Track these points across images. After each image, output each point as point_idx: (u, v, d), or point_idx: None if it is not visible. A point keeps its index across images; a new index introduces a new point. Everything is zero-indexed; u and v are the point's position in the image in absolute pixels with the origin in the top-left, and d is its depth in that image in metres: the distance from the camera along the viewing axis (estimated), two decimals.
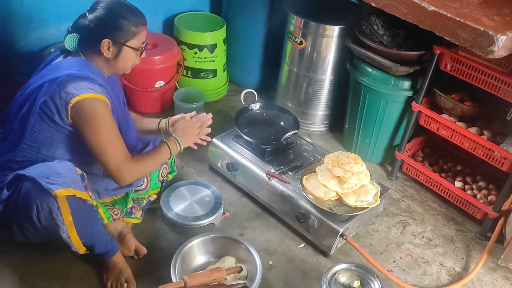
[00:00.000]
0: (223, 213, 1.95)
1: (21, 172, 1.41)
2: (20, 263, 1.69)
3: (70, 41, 1.51)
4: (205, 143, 1.85)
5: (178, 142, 1.71)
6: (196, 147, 1.81)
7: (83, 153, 1.55)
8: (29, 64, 2.19)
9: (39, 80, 1.48)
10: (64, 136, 1.50)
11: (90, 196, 1.51)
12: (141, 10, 2.55)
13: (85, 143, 1.47)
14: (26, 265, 1.68)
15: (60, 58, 1.55)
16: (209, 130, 1.83)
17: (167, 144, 1.68)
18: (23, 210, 1.40)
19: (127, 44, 1.52)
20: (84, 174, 1.52)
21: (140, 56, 1.60)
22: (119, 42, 1.50)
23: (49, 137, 1.49)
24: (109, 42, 1.49)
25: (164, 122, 1.86)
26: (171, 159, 1.74)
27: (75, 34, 1.50)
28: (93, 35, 1.48)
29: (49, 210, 1.39)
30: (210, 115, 1.85)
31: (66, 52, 1.55)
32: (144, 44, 1.59)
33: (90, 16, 1.49)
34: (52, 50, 2.18)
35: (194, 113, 1.86)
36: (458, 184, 2.16)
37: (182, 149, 1.72)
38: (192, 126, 1.78)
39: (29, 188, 1.38)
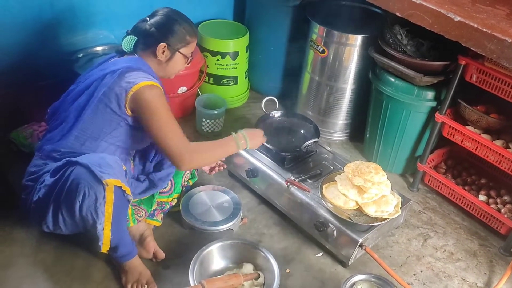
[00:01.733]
0: (242, 219, 1.96)
1: (73, 159, 1.47)
2: (41, 263, 1.72)
3: (128, 43, 1.62)
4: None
5: (246, 139, 1.74)
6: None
7: (123, 151, 1.65)
8: (56, 68, 2.26)
9: (101, 72, 1.56)
10: (113, 127, 1.56)
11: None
12: None
13: (146, 129, 1.54)
14: (47, 265, 1.72)
15: (116, 58, 1.64)
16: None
17: (235, 138, 1.71)
18: (68, 195, 1.45)
19: (180, 50, 1.65)
20: (127, 170, 1.56)
21: (187, 64, 1.71)
22: (173, 47, 1.63)
23: (99, 128, 1.55)
24: (165, 46, 1.61)
25: None
26: (246, 148, 1.76)
27: (133, 36, 1.62)
28: (151, 38, 1.60)
29: (95, 199, 1.43)
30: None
31: (121, 53, 1.65)
32: (192, 54, 1.71)
33: (150, 21, 1.62)
34: (80, 55, 2.24)
35: None
36: (482, 197, 2.12)
37: (247, 147, 1.75)
38: (260, 131, 1.87)
39: (80, 174, 1.43)
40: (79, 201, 1.43)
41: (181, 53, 1.65)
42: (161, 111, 1.52)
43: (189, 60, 1.70)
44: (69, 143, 1.55)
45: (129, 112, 1.54)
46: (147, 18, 1.63)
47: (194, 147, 1.61)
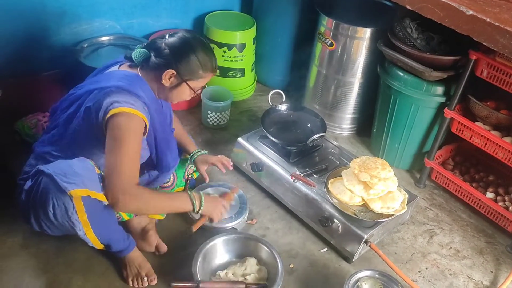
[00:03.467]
0: (252, 219, 1.95)
1: (41, 167, 1.43)
2: (43, 254, 1.72)
3: (139, 55, 1.52)
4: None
5: (202, 201, 1.57)
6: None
7: None
8: (61, 58, 2.25)
9: (92, 85, 1.50)
10: (100, 141, 1.49)
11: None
12: (172, 8, 2.60)
13: (105, 150, 1.43)
14: (49, 256, 1.71)
15: (116, 67, 1.56)
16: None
17: (190, 197, 1.56)
18: (40, 204, 1.42)
19: (188, 82, 1.52)
20: (102, 174, 1.50)
21: (193, 96, 1.59)
22: (182, 77, 1.50)
23: (87, 141, 1.50)
24: (172, 73, 1.49)
25: (199, 154, 1.89)
26: (189, 211, 1.60)
27: (145, 51, 1.51)
28: (162, 60, 1.48)
29: (65, 209, 1.39)
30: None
31: (129, 60, 1.56)
32: (202, 88, 1.59)
33: (168, 41, 1.49)
34: (85, 45, 2.22)
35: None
36: (489, 195, 2.09)
37: (199, 211, 1.58)
38: (220, 205, 1.68)
39: (47, 184, 1.39)
40: (50, 211, 1.40)
41: (188, 85, 1.52)
42: (123, 141, 1.39)
43: (196, 94, 1.57)
44: (61, 148, 1.52)
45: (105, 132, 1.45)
46: (167, 36, 1.50)
47: (136, 192, 1.41)
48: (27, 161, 1.61)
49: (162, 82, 1.50)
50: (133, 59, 1.53)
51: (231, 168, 1.94)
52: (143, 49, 1.52)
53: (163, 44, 1.48)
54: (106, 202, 1.46)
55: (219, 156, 1.93)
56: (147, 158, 1.68)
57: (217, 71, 2.61)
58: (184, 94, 1.56)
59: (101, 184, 1.46)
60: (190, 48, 1.48)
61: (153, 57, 1.50)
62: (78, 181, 1.38)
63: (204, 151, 1.93)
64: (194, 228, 1.67)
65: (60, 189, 1.37)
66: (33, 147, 1.62)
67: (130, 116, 1.41)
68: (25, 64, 2.19)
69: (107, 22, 2.36)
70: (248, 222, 1.95)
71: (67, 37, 2.26)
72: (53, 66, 2.27)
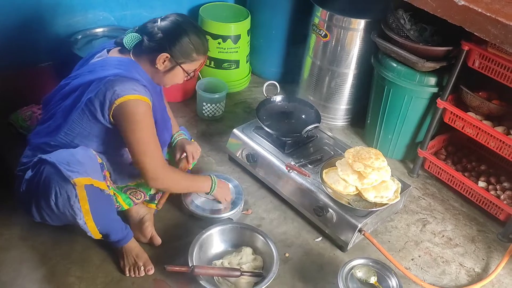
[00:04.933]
0: (247, 209, 1.97)
1: (43, 156, 1.44)
2: (40, 246, 1.73)
3: (130, 40, 1.52)
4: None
5: (215, 185, 1.77)
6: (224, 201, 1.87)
7: (116, 147, 1.61)
8: (55, 50, 2.24)
9: (88, 75, 1.49)
10: (101, 131, 1.52)
11: (108, 186, 1.53)
12: None
13: (125, 142, 1.50)
14: (46, 248, 1.72)
15: (105, 53, 1.56)
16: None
17: (213, 180, 1.76)
18: (42, 193, 1.43)
19: (182, 65, 1.54)
20: (104, 163, 1.54)
21: (186, 79, 1.62)
22: (175, 60, 1.52)
23: (87, 130, 1.51)
24: (166, 57, 1.50)
25: (177, 136, 1.92)
26: (209, 192, 1.79)
27: (137, 35, 1.52)
28: (155, 44, 1.49)
29: (67, 197, 1.41)
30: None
31: (119, 46, 1.56)
32: (195, 71, 1.62)
33: (161, 24, 1.50)
34: (79, 37, 2.22)
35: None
36: (481, 184, 2.12)
37: (211, 192, 1.79)
38: (228, 190, 1.89)
39: (50, 173, 1.40)
40: (53, 200, 1.41)
41: (182, 68, 1.55)
42: (141, 128, 1.47)
43: (189, 76, 1.61)
44: (59, 139, 1.52)
45: (112, 122, 1.48)
46: (158, 20, 1.51)
47: (171, 170, 1.61)
48: (23, 152, 1.61)
49: (156, 66, 1.52)
50: (125, 44, 1.53)
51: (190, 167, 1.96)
52: (135, 33, 1.52)
53: (156, 28, 1.49)
54: (107, 191, 1.49)
55: (193, 146, 1.92)
56: None
57: (212, 62, 2.64)
58: (177, 77, 1.59)
59: (103, 173, 1.49)
60: (183, 31, 1.49)
61: (145, 41, 1.50)
62: (81, 170, 1.40)
63: (183, 133, 1.94)
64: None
65: (64, 177, 1.38)
66: (28, 138, 1.62)
67: (137, 102, 1.44)
68: (19, 56, 2.18)
69: (101, 13, 2.35)
70: (244, 212, 1.97)
71: (62, 29, 2.25)
72: (47, 58, 2.26)
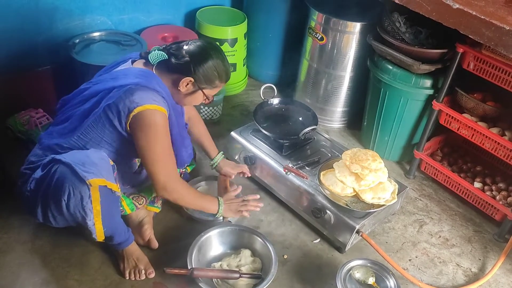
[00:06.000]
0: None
1: (57, 156, 1.44)
2: (39, 249, 1.73)
3: (155, 58, 1.54)
4: (248, 216, 1.83)
5: (220, 208, 1.72)
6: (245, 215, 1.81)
7: (125, 157, 1.62)
8: (53, 54, 2.25)
9: (110, 82, 1.50)
10: (114, 138, 1.53)
11: (119, 188, 1.53)
12: (163, 4, 2.60)
13: (139, 150, 1.50)
14: (45, 251, 1.73)
15: (129, 63, 1.58)
16: (257, 209, 1.82)
17: (220, 203, 1.71)
18: (53, 194, 1.43)
19: (203, 90, 1.58)
20: (115, 165, 1.54)
21: (204, 102, 1.64)
22: (198, 85, 1.55)
23: (100, 136, 1.52)
24: (190, 81, 1.53)
25: (218, 158, 1.96)
26: (214, 213, 1.73)
27: (164, 54, 1.54)
28: (181, 67, 1.52)
29: (81, 198, 1.41)
30: (261, 204, 1.83)
31: (144, 59, 1.58)
32: (213, 96, 1.65)
33: (189, 48, 1.52)
34: (77, 41, 2.22)
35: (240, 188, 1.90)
36: (477, 184, 2.14)
37: (217, 215, 1.73)
38: (237, 204, 1.78)
39: (64, 174, 1.40)
40: (64, 200, 1.41)
41: (203, 93, 1.59)
42: (156, 138, 1.48)
43: (208, 101, 1.63)
44: (72, 142, 1.52)
45: (128, 130, 1.50)
46: (188, 43, 1.54)
47: (181, 183, 1.62)
48: (31, 151, 1.60)
49: (179, 88, 1.55)
50: (150, 59, 1.55)
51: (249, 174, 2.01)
52: (161, 52, 1.54)
53: (184, 52, 1.52)
54: (118, 192, 1.51)
55: (237, 166, 1.99)
56: None
57: None
58: (197, 100, 1.62)
59: (114, 175, 1.51)
60: (210, 59, 1.53)
61: (172, 62, 1.53)
62: (95, 171, 1.41)
63: (222, 156, 1.98)
64: None
65: (79, 178, 1.39)
66: (39, 137, 1.61)
67: (155, 112, 1.46)
68: (17, 60, 2.18)
69: (99, 17, 2.36)
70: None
71: (59, 33, 2.25)
72: (45, 62, 2.26)
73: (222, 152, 1.99)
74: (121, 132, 1.50)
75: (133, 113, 1.44)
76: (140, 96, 1.44)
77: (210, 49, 1.55)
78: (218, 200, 1.73)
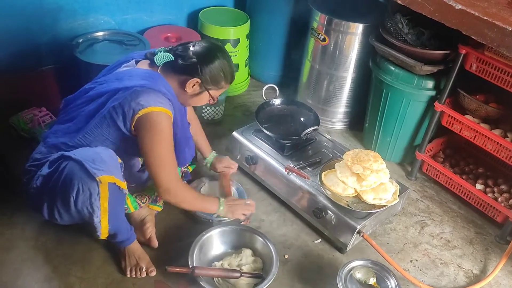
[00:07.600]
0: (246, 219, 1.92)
1: (67, 153, 1.45)
2: (42, 246, 1.74)
3: (161, 59, 1.54)
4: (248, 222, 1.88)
5: (221, 208, 1.73)
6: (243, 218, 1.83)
7: (128, 155, 1.64)
8: (56, 54, 2.26)
9: (115, 83, 1.51)
10: (118, 138, 1.54)
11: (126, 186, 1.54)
12: (166, 4, 2.62)
13: (142, 152, 1.51)
14: (48, 248, 1.73)
15: (133, 63, 1.59)
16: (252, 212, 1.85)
17: (220, 201, 1.73)
18: (61, 190, 1.43)
19: (209, 91, 1.59)
20: (122, 163, 1.55)
21: (209, 103, 1.66)
22: (205, 86, 1.56)
23: (104, 136, 1.52)
24: (197, 82, 1.54)
25: (211, 157, 1.99)
26: (214, 213, 1.76)
27: (170, 55, 1.54)
28: (188, 68, 1.53)
29: (89, 194, 1.42)
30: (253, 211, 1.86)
31: (149, 60, 1.59)
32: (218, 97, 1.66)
33: (196, 50, 1.53)
34: (80, 40, 2.23)
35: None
36: (479, 186, 2.13)
37: (218, 215, 1.77)
38: (240, 206, 1.80)
39: (74, 170, 1.41)
40: (73, 196, 1.42)
41: (209, 93, 1.60)
42: (162, 139, 1.49)
43: (214, 101, 1.65)
44: (76, 141, 1.53)
45: (133, 131, 1.51)
46: (194, 44, 1.55)
47: (183, 186, 1.63)
48: (36, 149, 1.61)
49: (185, 89, 1.55)
50: (155, 61, 1.55)
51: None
52: (167, 53, 1.55)
53: (190, 53, 1.52)
54: (126, 190, 1.52)
55: (225, 161, 2.01)
56: None
57: None
58: (202, 101, 1.63)
59: (122, 173, 1.52)
60: (217, 60, 1.54)
61: (179, 63, 1.53)
62: (105, 168, 1.42)
63: (214, 155, 2.01)
64: None
65: (89, 174, 1.39)
66: (44, 135, 1.61)
67: (160, 114, 1.46)
68: (21, 59, 2.20)
69: (102, 17, 2.37)
70: (243, 222, 1.96)
71: (63, 33, 2.26)
72: (48, 61, 2.27)
73: (214, 151, 2.02)
74: (125, 133, 1.51)
75: (138, 115, 1.45)
76: (145, 98, 1.45)
77: (216, 50, 1.56)
78: (219, 201, 1.73)
